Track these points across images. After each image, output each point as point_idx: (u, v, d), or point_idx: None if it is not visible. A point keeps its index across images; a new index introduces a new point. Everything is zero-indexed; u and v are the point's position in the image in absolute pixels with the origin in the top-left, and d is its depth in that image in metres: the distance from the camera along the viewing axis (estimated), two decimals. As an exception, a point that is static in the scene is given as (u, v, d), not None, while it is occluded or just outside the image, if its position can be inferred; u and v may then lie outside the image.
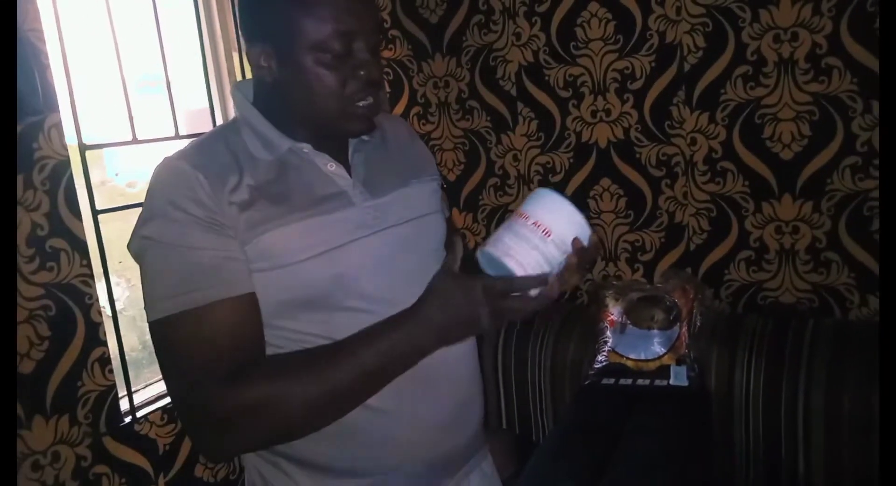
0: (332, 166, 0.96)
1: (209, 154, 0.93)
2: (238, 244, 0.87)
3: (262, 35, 0.92)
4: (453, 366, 1.01)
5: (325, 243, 0.91)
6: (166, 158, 0.93)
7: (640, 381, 2.01)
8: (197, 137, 0.99)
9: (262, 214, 0.89)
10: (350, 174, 0.98)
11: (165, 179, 0.91)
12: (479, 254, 0.87)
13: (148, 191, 0.91)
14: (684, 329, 2.04)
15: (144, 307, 0.89)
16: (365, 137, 1.02)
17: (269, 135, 0.95)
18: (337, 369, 0.86)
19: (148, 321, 0.88)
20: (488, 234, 2.52)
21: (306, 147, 0.95)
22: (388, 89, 2.37)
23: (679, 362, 1.99)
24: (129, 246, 0.92)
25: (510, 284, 0.82)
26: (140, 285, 0.90)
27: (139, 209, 0.91)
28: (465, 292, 0.84)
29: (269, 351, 0.92)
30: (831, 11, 1.90)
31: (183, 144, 0.97)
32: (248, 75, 2.04)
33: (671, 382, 1.96)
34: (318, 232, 0.91)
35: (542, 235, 0.83)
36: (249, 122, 0.97)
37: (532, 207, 0.86)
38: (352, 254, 0.92)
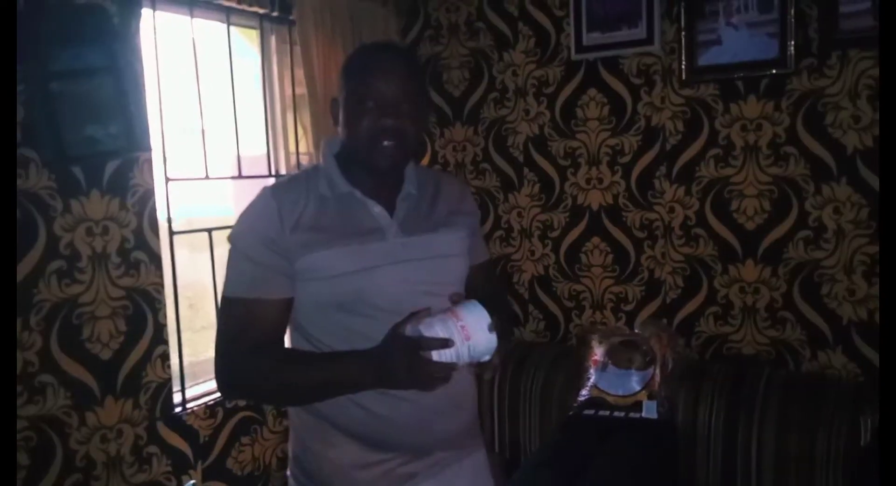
0: (376, 209, 1.28)
1: (289, 189, 1.27)
2: (288, 262, 1.20)
3: (338, 92, 1.28)
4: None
5: (355, 265, 1.22)
6: (264, 187, 1.28)
7: (616, 413, 2.30)
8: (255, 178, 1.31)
9: (314, 239, 1.21)
10: (392, 217, 1.29)
11: (256, 202, 1.26)
12: (409, 330, 1.10)
13: (246, 207, 1.27)
14: (657, 371, 2.34)
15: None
16: (413, 191, 1.33)
17: (335, 179, 1.28)
18: (302, 374, 1.19)
19: (220, 295, 1.25)
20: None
21: (358, 192, 1.27)
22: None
23: (651, 398, 2.29)
24: (228, 237, 1.27)
25: (420, 342, 1.10)
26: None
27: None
28: (392, 347, 1.13)
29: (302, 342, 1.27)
30: (789, 108, 2.28)
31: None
32: (300, 130, 2.42)
33: (643, 414, 2.26)
34: (352, 257, 1.22)
35: (464, 337, 1.09)
36: (325, 168, 1.30)
37: (466, 314, 1.11)
38: (375, 276, 1.23)
